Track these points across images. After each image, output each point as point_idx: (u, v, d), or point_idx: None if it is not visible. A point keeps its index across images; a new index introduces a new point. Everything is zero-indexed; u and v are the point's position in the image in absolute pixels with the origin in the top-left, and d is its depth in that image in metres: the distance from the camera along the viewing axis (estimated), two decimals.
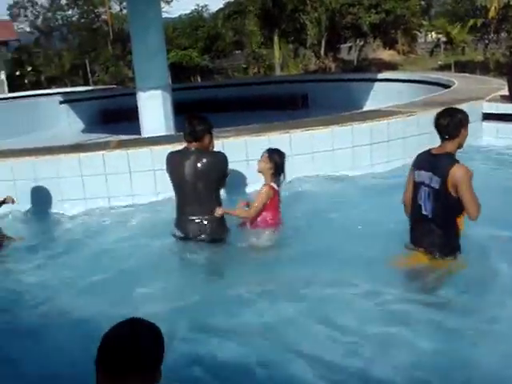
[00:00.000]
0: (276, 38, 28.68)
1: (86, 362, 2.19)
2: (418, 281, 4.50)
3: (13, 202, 5.94)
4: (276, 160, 5.19)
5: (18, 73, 33.63)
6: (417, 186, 4.40)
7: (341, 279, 4.55)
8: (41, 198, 6.65)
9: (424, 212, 4.35)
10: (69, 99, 15.97)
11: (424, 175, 4.33)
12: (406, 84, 13.32)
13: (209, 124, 5.26)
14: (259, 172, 5.28)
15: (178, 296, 4.55)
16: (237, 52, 38.03)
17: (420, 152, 4.51)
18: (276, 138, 6.75)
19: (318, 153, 6.90)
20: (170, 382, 2.36)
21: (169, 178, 5.39)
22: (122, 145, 7.01)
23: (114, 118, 14.77)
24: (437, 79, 12.27)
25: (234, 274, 4.98)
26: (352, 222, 5.63)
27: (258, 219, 5.23)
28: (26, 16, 36.87)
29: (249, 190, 6.56)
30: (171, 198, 5.96)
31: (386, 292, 4.32)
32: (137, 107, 10.39)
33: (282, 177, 5.28)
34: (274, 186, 5.22)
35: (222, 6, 35.38)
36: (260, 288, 4.54)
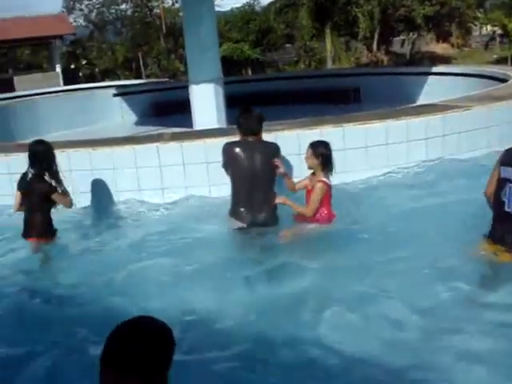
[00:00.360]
0: (328, 31, 28.45)
1: None
2: (493, 277, 4.45)
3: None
4: (322, 153, 5.16)
5: (72, 66, 34.39)
6: (502, 182, 4.27)
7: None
8: (97, 188, 6.79)
9: (507, 209, 4.23)
10: (122, 92, 16.20)
11: (511, 172, 4.22)
12: (460, 78, 13.02)
13: (263, 118, 5.43)
14: (309, 169, 5.30)
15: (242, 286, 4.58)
16: (287, 45, 37.94)
17: (508, 147, 4.40)
18: (329, 132, 6.70)
19: (372, 147, 6.82)
20: None
21: (225, 169, 5.49)
22: (175, 137, 7.07)
23: (166, 111, 14.90)
24: (492, 73, 11.94)
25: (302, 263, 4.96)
26: (415, 214, 5.60)
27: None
28: (81, 10, 37.55)
29: None
30: (224, 190, 6.07)
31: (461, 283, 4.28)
32: (189, 100, 10.47)
33: (331, 168, 5.23)
34: (326, 180, 5.19)
35: None
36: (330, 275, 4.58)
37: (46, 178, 5.59)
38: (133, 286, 4.71)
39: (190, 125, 10.17)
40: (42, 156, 5.63)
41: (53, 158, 5.72)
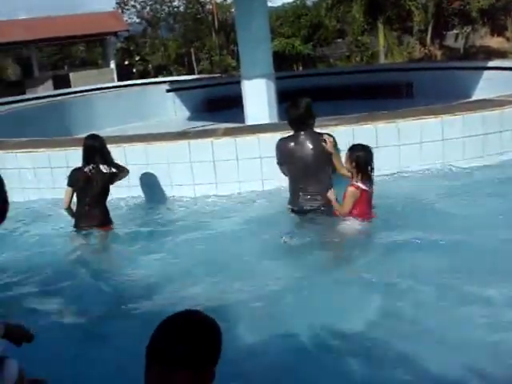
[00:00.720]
0: (380, 26, 28.09)
1: None
2: None
3: None
4: (356, 157, 5.04)
5: (126, 62, 34.96)
6: None
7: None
8: (151, 182, 6.92)
9: None
10: (175, 88, 16.41)
11: None
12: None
13: (310, 109, 5.55)
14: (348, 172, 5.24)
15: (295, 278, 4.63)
16: (338, 40, 37.65)
17: None
18: (382, 127, 6.66)
19: (427, 143, 6.73)
20: None
21: (280, 165, 5.62)
22: (229, 132, 7.14)
23: (218, 106, 15.03)
24: None
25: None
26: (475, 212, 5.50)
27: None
28: (133, 6, 38.12)
29: None
30: (276, 184, 6.20)
31: None
32: (240, 95, 10.53)
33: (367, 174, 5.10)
34: (360, 184, 5.07)
35: None
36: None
37: (104, 169, 5.81)
38: (201, 275, 4.81)
39: (242, 120, 10.24)
40: (97, 150, 5.84)
41: (106, 150, 5.93)
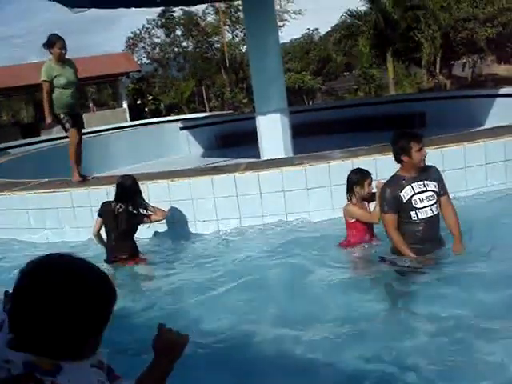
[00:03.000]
0: (389, 58, 28.34)
1: None
2: None
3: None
4: (348, 179, 5.48)
5: (138, 102, 35.42)
6: None
7: None
8: (175, 218, 6.95)
9: None
10: (188, 125, 16.57)
11: None
12: None
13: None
14: None
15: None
16: (346, 74, 38.07)
17: None
18: None
19: (449, 171, 6.73)
20: None
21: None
22: (251, 167, 7.18)
23: (231, 143, 15.17)
24: None
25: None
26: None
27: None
28: (143, 48, 38.80)
29: None
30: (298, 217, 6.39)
31: None
32: (251, 131, 10.65)
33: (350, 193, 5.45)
34: (350, 203, 5.45)
35: (329, 29, 35.65)
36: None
37: (131, 209, 5.96)
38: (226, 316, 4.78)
39: (255, 155, 10.31)
40: (129, 190, 6.05)
41: (139, 191, 6.14)
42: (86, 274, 1.61)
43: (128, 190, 6.03)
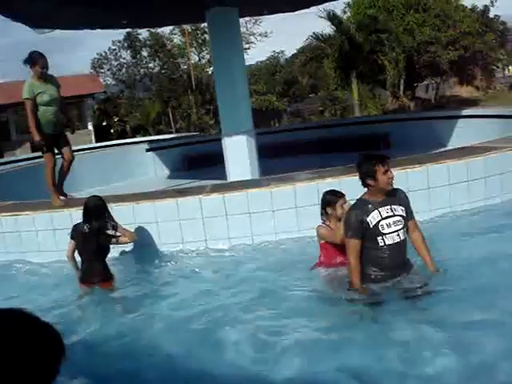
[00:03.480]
0: (354, 80, 28.74)
1: None
2: None
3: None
4: (321, 200, 5.45)
5: (104, 123, 35.16)
6: None
7: None
8: (140, 240, 6.86)
9: None
10: (154, 147, 16.48)
11: None
12: (486, 120, 12.98)
13: None
14: None
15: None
16: (311, 95, 38.43)
17: None
18: None
19: (414, 191, 6.79)
20: None
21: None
22: (217, 189, 7.15)
23: (198, 164, 15.14)
24: None
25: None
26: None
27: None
28: (109, 69, 38.61)
29: None
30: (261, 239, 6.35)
31: None
32: (218, 153, 10.65)
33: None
34: (321, 224, 5.41)
35: (295, 51, 36.03)
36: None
37: (101, 230, 5.94)
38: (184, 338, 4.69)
39: (222, 176, 10.30)
40: (94, 210, 5.99)
41: (105, 210, 6.10)
42: (36, 329, 1.54)
43: (93, 209, 5.97)
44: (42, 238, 7.23)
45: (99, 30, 13.72)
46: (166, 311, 5.24)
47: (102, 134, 31.22)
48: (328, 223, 5.35)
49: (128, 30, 33.38)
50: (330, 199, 5.33)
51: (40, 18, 10.78)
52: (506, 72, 42.82)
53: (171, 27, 34.98)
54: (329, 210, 5.31)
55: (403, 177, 6.72)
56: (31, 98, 7.54)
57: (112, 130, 34.78)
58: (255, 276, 5.83)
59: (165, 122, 35.03)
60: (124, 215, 6.83)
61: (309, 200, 6.63)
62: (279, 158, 13.59)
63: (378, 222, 4.57)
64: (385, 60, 28.76)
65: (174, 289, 5.81)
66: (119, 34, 35.54)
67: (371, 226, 4.55)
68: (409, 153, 8.56)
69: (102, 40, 44.40)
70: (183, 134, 24.04)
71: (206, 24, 13.40)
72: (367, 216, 4.57)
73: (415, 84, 33.20)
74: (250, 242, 6.79)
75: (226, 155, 10.54)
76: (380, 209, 4.59)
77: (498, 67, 37.78)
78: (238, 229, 6.78)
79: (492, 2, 31.95)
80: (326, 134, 15.81)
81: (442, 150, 10.12)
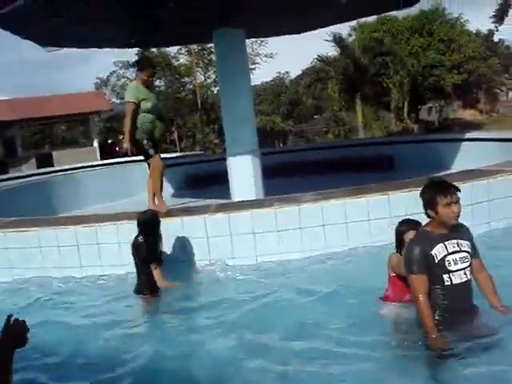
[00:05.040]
0: (358, 102, 28.90)
1: None
2: None
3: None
4: (396, 232, 4.93)
5: (110, 141, 35.32)
6: None
7: None
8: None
9: None
10: None
11: None
12: (490, 144, 13.00)
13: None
14: None
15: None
16: (316, 116, 38.59)
17: None
18: (375, 200, 6.75)
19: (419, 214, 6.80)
20: None
21: None
22: (222, 208, 7.18)
23: (202, 183, 15.15)
24: None
25: None
26: None
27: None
28: (113, 89, 38.88)
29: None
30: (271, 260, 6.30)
31: None
32: (223, 172, 10.68)
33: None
34: (393, 254, 4.93)
35: (300, 72, 36.28)
36: None
37: (142, 240, 6.09)
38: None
39: (226, 196, 10.31)
40: (143, 224, 6.17)
41: (145, 223, 6.21)
42: None
43: (140, 222, 6.20)
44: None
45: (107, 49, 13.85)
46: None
47: (107, 152, 31.35)
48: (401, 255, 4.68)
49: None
50: (408, 228, 4.77)
51: (51, 37, 10.89)
52: (510, 95, 43.02)
53: (178, 47, 35.27)
54: (407, 240, 4.60)
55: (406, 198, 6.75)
56: (136, 102, 7.45)
57: (117, 148, 34.94)
58: (269, 296, 5.78)
59: (170, 140, 35.19)
60: (127, 234, 6.86)
61: (313, 221, 6.65)
62: (284, 178, 13.61)
63: (444, 256, 4.05)
64: (389, 83, 28.93)
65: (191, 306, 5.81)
66: (123, 52, 35.86)
67: (436, 261, 4.03)
68: (413, 175, 8.57)
69: (107, 57, 44.80)
70: (188, 153, 24.11)
71: (212, 44, 13.50)
72: (431, 249, 4.06)
73: (419, 107, 33.34)
74: (255, 262, 6.80)
75: (231, 175, 10.57)
76: (446, 242, 4.08)
77: (502, 91, 37.96)
78: (243, 249, 6.80)
79: (496, 27, 32.19)
80: (330, 155, 15.84)
81: (447, 172, 10.14)
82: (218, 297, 5.98)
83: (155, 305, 6.05)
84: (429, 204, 4.12)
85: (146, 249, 6.06)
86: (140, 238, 6.12)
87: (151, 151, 7.74)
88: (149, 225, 6.19)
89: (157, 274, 6.04)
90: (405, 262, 4.17)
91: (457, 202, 4.07)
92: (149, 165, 8.30)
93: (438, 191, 4.07)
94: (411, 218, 5.02)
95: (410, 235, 4.58)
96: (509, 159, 8.90)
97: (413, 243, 4.17)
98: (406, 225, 4.84)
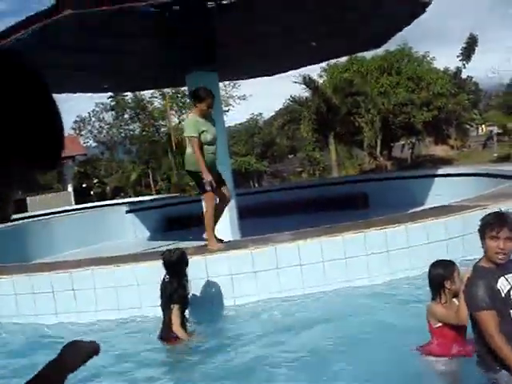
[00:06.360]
0: (332, 141, 29.27)
1: None
2: None
3: None
4: (433, 277, 4.44)
5: (84, 185, 35.16)
6: None
7: None
8: (121, 304, 6.78)
9: None
10: (134, 209, 16.46)
11: None
12: (461, 178, 13.23)
13: None
14: None
15: None
16: (290, 156, 38.95)
17: None
18: (351, 238, 6.78)
19: (394, 251, 6.85)
20: None
21: None
22: (199, 251, 7.14)
23: (178, 225, 15.10)
24: (498, 171, 12.15)
25: None
26: None
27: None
28: (90, 131, 38.96)
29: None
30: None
31: None
32: (199, 214, 10.62)
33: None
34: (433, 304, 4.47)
35: (273, 113, 36.72)
36: None
37: (170, 282, 5.89)
38: None
39: (202, 238, 10.25)
40: (168, 263, 6.00)
41: (173, 265, 6.01)
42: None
43: (167, 264, 6.01)
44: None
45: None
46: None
47: (81, 196, 31.18)
48: (444, 301, 4.35)
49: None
50: (446, 271, 4.33)
51: None
52: (480, 131, 43.91)
53: (152, 90, 35.53)
54: (447, 285, 4.29)
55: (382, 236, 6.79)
56: (197, 136, 7.21)
57: (92, 192, 34.79)
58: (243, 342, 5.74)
59: (145, 183, 35.16)
60: (103, 279, 6.78)
61: (289, 261, 6.65)
62: (259, 218, 13.62)
63: (509, 290, 3.74)
64: (361, 121, 29.40)
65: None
66: (101, 96, 36.01)
67: (503, 295, 3.72)
68: (386, 213, 8.63)
69: (83, 102, 44.96)
70: (163, 196, 24.08)
71: (186, 88, 13.62)
72: (495, 283, 3.75)
73: (391, 144, 33.85)
74: (233, 304, 6.75)
75: None
76: (506, 276, 3.78)
77: (471, 126, 38.74)
78: (221, 291, 6.75)
79: (464, 65, 33.03)
80: (305, 195, 15.94)
81: (420, 208, 10.25)
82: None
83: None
84: (480, 233, 3.88)
85: (170, 289, 5.85)
86: (166, 278, 5.96)
87: (208, 188, 7.31)
88: (174, 264, 5.97)
89: (175, 317, 5.80)
90: (470, 300, 3.83)
91: (506, 238, 3.75)
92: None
93: (486, 224, 3.84)
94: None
95: (455, 276, 4.29)
96: (479, 194, 9.05)
97: (476, 279, 3.82)
98: (441, 267, 4.40)
